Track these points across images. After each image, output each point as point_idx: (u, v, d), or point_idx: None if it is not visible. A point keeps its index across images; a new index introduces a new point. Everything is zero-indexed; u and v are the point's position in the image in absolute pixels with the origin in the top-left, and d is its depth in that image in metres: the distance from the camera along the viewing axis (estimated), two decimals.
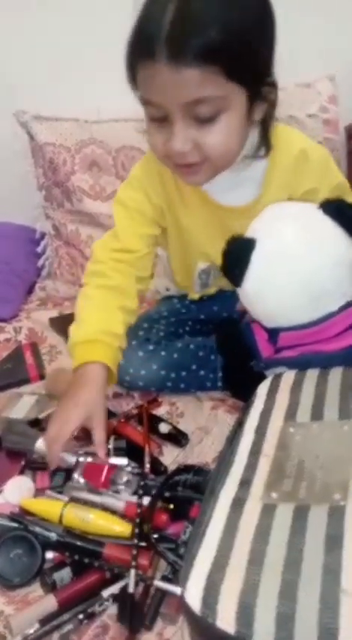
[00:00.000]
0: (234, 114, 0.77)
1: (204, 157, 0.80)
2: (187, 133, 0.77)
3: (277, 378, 0.81)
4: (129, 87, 0.80)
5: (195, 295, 1.14)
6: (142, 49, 0.73)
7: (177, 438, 0.94)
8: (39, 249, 1.52)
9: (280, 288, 0.82)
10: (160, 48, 0.70)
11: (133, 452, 0.90)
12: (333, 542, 0.50)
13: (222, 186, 0.91)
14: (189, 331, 1.12)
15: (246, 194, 0.93)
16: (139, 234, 0.98)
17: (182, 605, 0.52)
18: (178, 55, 0.70)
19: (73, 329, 0.95)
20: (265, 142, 0.88)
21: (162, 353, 1.03)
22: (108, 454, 0.87)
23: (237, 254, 0.84)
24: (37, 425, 0.96)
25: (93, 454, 0.87)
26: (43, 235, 1.52)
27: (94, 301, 0.96)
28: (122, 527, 0.76)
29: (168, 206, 0.97)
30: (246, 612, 0.47)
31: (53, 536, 0.75)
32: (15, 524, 0.77)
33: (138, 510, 0.76)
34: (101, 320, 0.93)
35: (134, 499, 0.79)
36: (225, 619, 0.48)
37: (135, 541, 0.72)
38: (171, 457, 0.92)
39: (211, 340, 1.07)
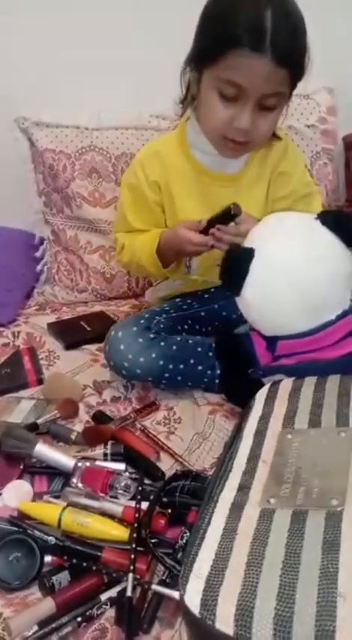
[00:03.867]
0: (280, 108, 1.00)
1: (251, 139, 1.00)
2: (253, 115, 0.95)
3: (275, 385, 0.82)
4: (196, 66, 0.99)
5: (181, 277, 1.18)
6: (247, 40, 0.88)
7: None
8: (38, 255, 1.52)
9: (278, 298, 0.84)
10: (266, 47, 0.88)
11: (131, 457, 0.91)
12: (330, 546, 0.51)
13: (217, 156, 1.07)
14: (188, 330, 1.14)
15: (233, 166, 1.11)
16: (143, 219, 1.15)
17: (181, 608, 0.53)
18: (280, 57, 0.89)
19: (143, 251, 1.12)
20: (274, 135, 1.09)
21: (162, 343, 1.05)
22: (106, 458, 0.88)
23: (236, 263, 0.86)
24: (35, 429, 0.97)
25: (91, 459, 0.88)
26: (42, 240, 1.52)
27: (137, 239, 1.14)
28: (120, 532, 0.76)
29: (164, 181, 1.12)
30: (244, 614, 0.48)
31: (52, 539, 0.75)
32: (14, 528, 0.77)
33: (136, 515, 0.77)
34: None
35: (132, 504, 0.79)
36: (224, 621, 0.49)
37: (133, 545, 0.73)
38: (169, 463, 0.92)
39: (210, 339, 1.09)
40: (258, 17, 0.88)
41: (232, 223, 0.99)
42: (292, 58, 0.92)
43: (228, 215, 0.98)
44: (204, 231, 1.01)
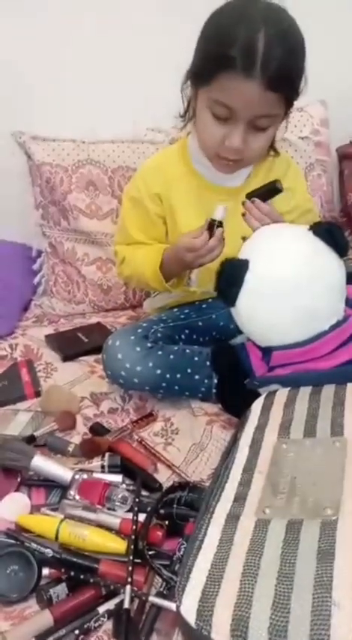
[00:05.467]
0: (274, 128, 1.02)
1: (243, 157, 1.02)
2: (245, 135, 0.97)
3: (271, 395, 0.82)
4: (192, 83, 1.01)
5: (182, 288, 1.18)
6: (238, 63, 0.89)
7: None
8: (35, 267, 1.53)
9: (272, 308, 0.84)
10: (256, 71, 0.89)
11: (128, 469, 0.91)
12: (325, 555, 0.51)
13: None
14: (185, 340, 1.15)
15: (234, 179, 1.13)
16: (144, 231, 1.16)
17: (178, 618, 0.53)
18: (269, 82, 0.90)
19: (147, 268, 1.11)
20: (273, 149, 1.12)
21: (159, 352, 1.05)
22: (103, 470, 0.88)
23: (231, 274, 0.86)
24: (33, 441, 0.97)
25: (89, 471, 0.88)
26: (39, 253, 1.53)
27: (139, 252, 1.15)
28: (117, 544, 0.76)
29: (165, 194, 1.14)
30: (240, 624, 0.48)
31: (49, 552, 0.75)
32: (11, 541, 0.77)
33: (134, 527, 0.77)
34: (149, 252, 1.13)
35: (129, 516, 0.79)
36: (220, 631, 0.49)
37: (131, 558, 0.73)
38: (166, 474, 0.93)
39: (207, 349, 1.10)
40: (251, 40, 0.88)
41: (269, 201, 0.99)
42: (283, 82, 0.92)
43: (269, 191, 0.99)
44: (209, 232, 1.00)
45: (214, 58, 0.92)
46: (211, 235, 1.00)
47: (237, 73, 0.90)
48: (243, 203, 1.00)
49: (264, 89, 0.90)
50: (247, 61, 0.88)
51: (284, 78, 0.92)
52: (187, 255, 1.02)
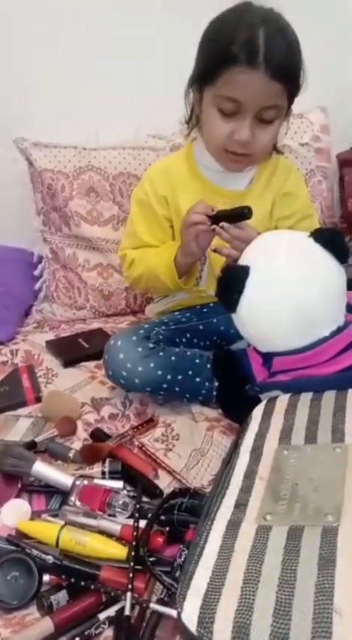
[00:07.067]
0: (279, 122, 1.04)
1: (252, 151, 1.04)
2: (252, 128, 1.00)
3: (272, 401, 0.82)
4: (197, 87, 1.04)
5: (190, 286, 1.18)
6: (241, 57, 0.94)
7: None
8: (36, 272, 1.54)
9: (273, 315, 0.84)
10: (259, 63, 0.93)
11: (129, 475, 0.91)
12: (326, 562, 0.51)
13: (223, 172, 1.12)
14: (186, 343, 1.15)
15: (239, 183, 1.16)
16: (153, 233, 1.17)
17: (178, 625, 0.53)
18: (273, 71, 0.94)
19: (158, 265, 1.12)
20: (275, 149, 1.15)
21: (160, 354, 1.06)
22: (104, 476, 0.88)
23: (232, 281, 0.87)
24: (34, 447, 0.97)
25: (89, 477, 0.88)
26: (40, 259, 1.54)
27: (150, 251, 1.17)
28: (118, 551, 0.76)
29: (171, 196, 1.15)
30: (241, 631, 0.48)
31: (50, 558, 0.75)
32: (12, 547, 0.77)
33: (134, 533, 0.77)
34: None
35: (130, 522, 0.79)
36: (221, 638, 0.49)
37: (131, 564, 0.73)
38: (167, 480, 0.93)
39: (208, 352, 1.10)
40: (252, 35, 0.94)
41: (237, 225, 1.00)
42: (286, 72, 0.97)
43: (238, 215, 1.00)
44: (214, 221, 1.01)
45: (217, 57, 0.97)
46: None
47: (242, 66, 0.94)
48: (213, 229, 1.01)
49: (269, 79, 0.95)
50: (250, 54, 0.93)
51: (287, 68, 0.97)
52: (191, 216, 1.02)
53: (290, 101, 1.03)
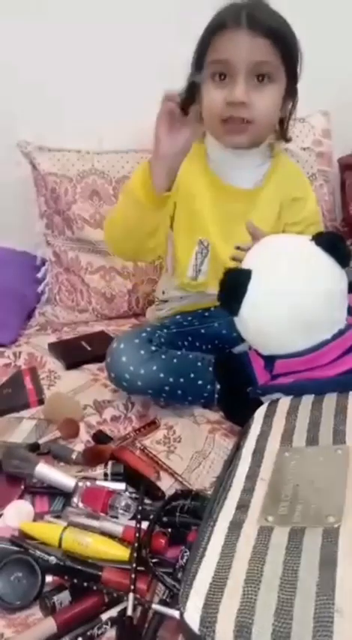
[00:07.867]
0: (277, 88, 1.03)
1: (252, 117, 1.02)
2: (247, 86, 0.99)
3: (273, 403, 0.83)
4: (194, 65, 1.04)
5: (185, 280, 1.17)
6: (226, 22, 0.98)
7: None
8: (39, 275, 1.54)
9: (275, 318, 0.85)
10: (243, 22, 0.96)
11: (131, 477, 0.91)
12: (327, 563, 0.52)
13: (232, 166, 1.13)
14: (188, 347, 1.15)
15: (248, 181, 1.14)
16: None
17: (181, 625, 0.53)
18: (256, 27, 0.97)
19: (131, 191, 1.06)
20: (283, 136, 1.16)
21: (163, 356, 1.06)
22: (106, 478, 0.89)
23: (234, 284, 0.87)
24: (36, 449, 0.98)
25: (92, 479, 0.88)
26: (43, 262, 1.54)
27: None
28: (120, 552, 0.77)
29: (184, 179, 1.09)
30: (243, 631, 0.49)
31: (53, 559, 0.75)
32: (15, 548, 0.77)
33: (137, 535, 0.77)
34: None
35: (132, 524, 0.80)
36: (223, 638, 0.49)
37: (134, 565, 0.73)
38: (169, 482, 0.93)
39: (210, 355, 1.10)
40: (235, 9, 0.99)
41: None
42: (270, 28, 0.98)
43: None
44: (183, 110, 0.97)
45: (209, 32, 1.01)
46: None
47: (227, 30, 0.99)
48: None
49: (253, 34, 0.97)
50: (234, 18, 0.98)
51: (271, 25, 0.99)
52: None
53: (288, 67, 1.02)
